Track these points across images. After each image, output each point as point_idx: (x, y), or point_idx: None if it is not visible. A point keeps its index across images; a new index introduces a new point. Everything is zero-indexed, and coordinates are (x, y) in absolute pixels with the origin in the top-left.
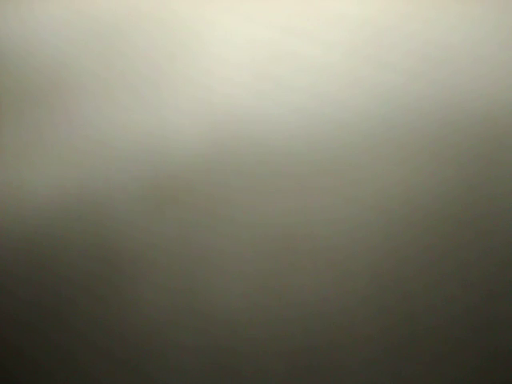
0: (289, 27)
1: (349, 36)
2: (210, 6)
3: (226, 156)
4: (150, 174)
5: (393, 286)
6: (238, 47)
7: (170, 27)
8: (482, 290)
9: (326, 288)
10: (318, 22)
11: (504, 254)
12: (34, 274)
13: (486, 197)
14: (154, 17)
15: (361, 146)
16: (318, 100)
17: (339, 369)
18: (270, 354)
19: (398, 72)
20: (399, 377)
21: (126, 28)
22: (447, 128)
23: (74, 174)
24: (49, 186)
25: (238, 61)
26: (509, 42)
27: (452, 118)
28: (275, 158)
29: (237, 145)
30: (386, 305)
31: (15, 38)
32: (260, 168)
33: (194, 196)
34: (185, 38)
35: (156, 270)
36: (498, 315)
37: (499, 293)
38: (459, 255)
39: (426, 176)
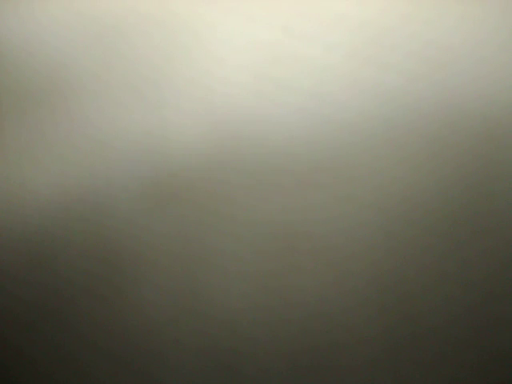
0: (289, 28)
1: (349, 37)
2: (210, 8)
3: (226, 156)
4: (150, 174)
5: (393, 285)
6: (239, 48)
7: (170, 28)
8: (482, 289)
9: (327, 288)
10: (318, 24)
11: (504, 254)
12: (35, 273)
13: (486, 196)
14: (155, 18)
15: (361, 146)
16: (319, 101)
17: (340, 369)
18: (271, 354)
19: (398, 73)
20: (400, 377)
21: (126, 29)
22: (447, 128)
23: (76, 173)
24: (50, 185)
25: (238, 61)
26: (509, 43)
27: (452, 119)
28: (275, 157)
29: (237, 145)
30: (387, 305)
31: (16, 38)
32: (260, 168)
33: (194, 196)
34: (185, 39)
35: (156, 269)
36: (498, 315)
37: (499, 292)
38: (459, 255)
39: (425, 176)
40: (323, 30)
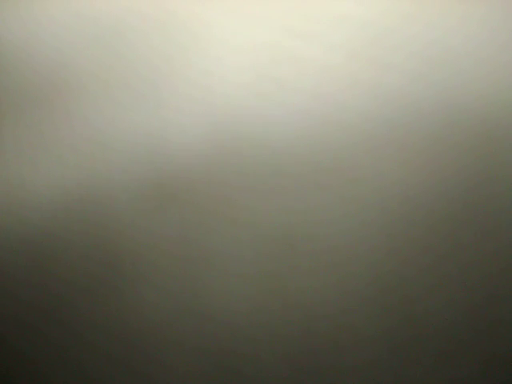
0: (289, 29)
1: (350, 38)
2: (209, 8)
3: (226, 157)
4: (150, 175)
5: (394, 287)
6: (238, 49)
7: (169, 29)
8: (484, 291)
9: (328, 289)
10: (318, 24)
11: (505, 255)
12: (35, 274)
13: (487, 197)
14: (155, 18)
15: (362, 147)
16: (319, 101)
17: (341, 370)
18: (272, 356)
19: (399, 73)
20: (401, 378)
21: (125, 29)
22: (448, 129)
23: (75, 174)
24: (50, 186)
25: (237, 62)
26: (510, 43)
27: (453, 119)
28: (276, 158)
29: (237, 146)
30: (388, 306)
31: (15, 39)
32: (261, 169)
33: (194, 197)
34: (185, 40)
35: (156, 270)
36: (499, 316)
37: (501, 294)
38: (460, 256)
39: (427, 177)
40: (324, 30)
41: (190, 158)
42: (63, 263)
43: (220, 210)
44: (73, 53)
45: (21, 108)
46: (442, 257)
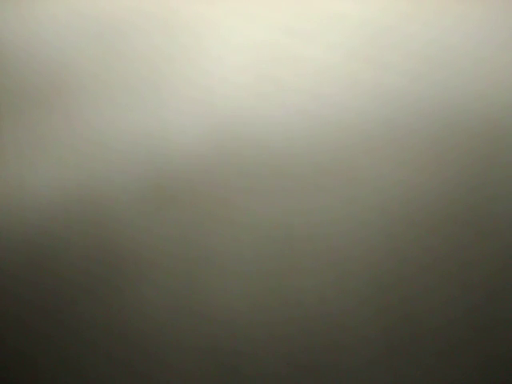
0: (289, 28)
1: (349, 37)
2: (210, 8)
3: (226, 157)
4: (150, 175)
5: (393, 286)
6: (239, 48)
7: (170, 29)
8: (483, 290)
9: (327, 289)
10: (318, 23)
11: (505, 255)
12: (35, 274)
13: (487, 198)
14: (155, 18)
15: (361, 147)
16: (319, 102)
17: (339, 369)
18: (271, 355)
19: (398, 73)
20: (399, 377)
21: (126, 29)
22: (448, 129)
23: (75, 174)
24: (49, 187)
25: (238, 62)
26: (509, 43)
27: (452, 119)
28: (276, 159)
29: (237, 146)
30: (387, 305)
31: (15, 39)
32: (260, 169)
33: (194, 197)
34: (185, 40)
35: (156, 270)
36: (498, 316)
37: (500, 294)
38: (460, 256)
39: (426, 177)
40: (323, 29)
41: (190, 158)
42: (63, 263)
43: (220, 210)
44: (73, 52)
45: (20, 108)
46: (441, 257)
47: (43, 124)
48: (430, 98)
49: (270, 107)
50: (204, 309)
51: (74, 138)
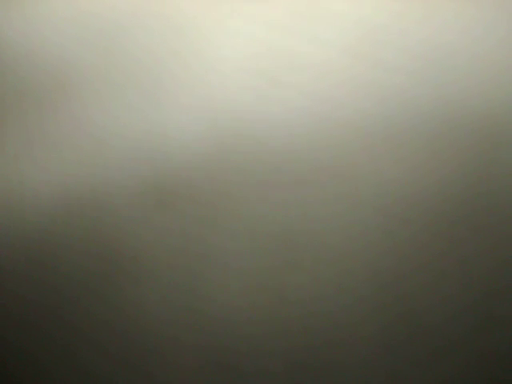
0: (286, 26)
1: (346, 35)
2: (212, 6)
3: (225, 153)
4: (150, 172)
5: (391, 284)
6: (238, 46)
7: (173, 25)
8: (481, 288)
9: (324, 286)
10: (314, 21)
11: (502, 252)
12: (35, 271)
13: (485, 194)
14: (157, 14)
15: (358, 144)
16: (317, 99)
17: (337, 366)
18: (268, 352)
19: (395, 70)
20: (397, 375)
21: (128, 26)
22: (445, 126)
23: (75, 171)
24: (50, 183)
25: (237, 60)
26: (504, 39)
27: (450, 116)
28: (274, 155)
29: (236, 143)
30: (384, 303)
31: (18, 36)
32: (259, 166)
33: (194, 193)
34: (187, 37)
35: (156, 266)
36: (496, 313)
37: (498, 291)
38: (457, 253)
39: (424, 174)
40: (319, 27)
41: (190, 154)
42: (63, 259)
43: (219, 206)
44: (75, 49)
45: (22, 105)
46: (439, 254)
47: (45, 120)
48: (425, 94)
49: (269, 104)
50: (203, 305)
51: (74, 134)
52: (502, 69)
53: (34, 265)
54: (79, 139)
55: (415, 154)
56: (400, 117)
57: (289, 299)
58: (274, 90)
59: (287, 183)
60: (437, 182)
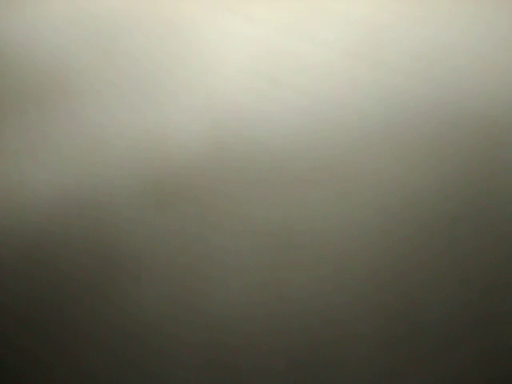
0: (286, 26)
1: (346, 35)
2: (211, 6)
3: (225, 153)
4: (150, 171)
5: (390, 282)
6: (237, 46)
7: (172, 25)
8: (480, 286)
9: (324, 284)
10: (314, 21)
11: (501, 251)
12: (35, 269)
13: (484, 194)
14: (156, 15)
15: (358, 144)
16: (316, 99)
17: (336, 364)
18: (268, 350)
19: (395, 70)
20: (395, 373)
21: (128, 26)
22: (445, 126)
23: (75, 170)
24: (50, 182)
25: (237, 60)
26: (504, 40)
27: (449, 116)
28: (274, 155)
29: (236, 142)
30: (383, 301)
31: (18, 36)
32: (258, 165)
33: (193, 192)
34: (186, 37)
35: (156, 265)
36: (495, 312)
37: (496, 290)
38: (456, 252)
39: (422, 173)
40: (319, 27)
41: (190, 154)
42: (63, 258)
43: (218, 205)
44: (75, 49)
45: (22, 105)
46: (438, 253)
47: (44, 120)
48: (425, 95)
49: (269, 104)
50: (203, 303)
51: (74, 134)
52: (502, 69)
53: (33, 263)
54: (79, 139)
55: (415, 153)
56: (400, 116)
57: (288, 297)
58: (274, 90)
59: (287, 183)
60: (437, 182)
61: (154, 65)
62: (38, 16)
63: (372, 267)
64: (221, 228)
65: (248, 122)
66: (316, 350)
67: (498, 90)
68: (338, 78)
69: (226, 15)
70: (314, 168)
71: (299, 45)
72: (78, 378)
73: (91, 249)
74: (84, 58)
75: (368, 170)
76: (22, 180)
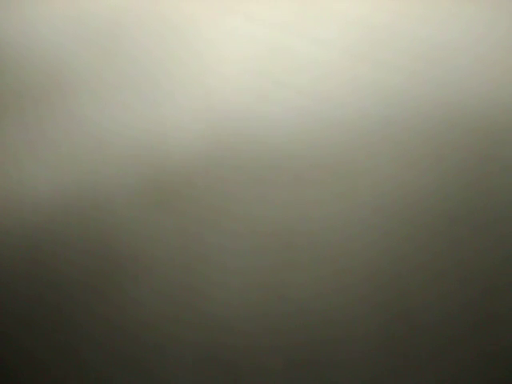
0: (286, 25)
1: (346, 34)
2: (210, 4)
3: (224, 152)
4: (149, 171)
5: (390, 282)
6: (237, 46)
7: (170, 24)
8: (479, 286)
9: (323, 284)
10: (314, 21)
11: (501, 251)
12: (34, 269)
13: (483, 193)
14: (155, 14)
15: (357, 143)
16: (315, 98)
17: (336, 364)
18: (267, 349)
19: (394, 70)
20: (395, 373)
21: (126, 25)
22: (444, 125)
23: (74, 169)
24: (49, 181)
25: (236, 59)
26: (504, 39)
27: (449, 116)
28: (273, 154)
29: (235, 142)
30: (383, 301)
31: (17, 35)
32: (258, 164)
33: (192, 192)
34: (185, 36)
35: (155, 265)
36: (494, 312)
37: (496, 290)
38: (456, 252)
39: (422, 173)
40: (319, 26)
41: (188, 153)
42: (62, 258)
43: (217, 204)
44: (73, 48)
45: (20, 104)
46: (438, 252)
47: (43, 119)
48: (425, 94)
49: (267, 103)
50: (202, 303)
51: (73, 133)
52: (501, 68)
53: (32, 263)
54: (78, 138)
55: (415, 153)
56: (399, 116)
57: (287, 297)
58: (274, 90)
59: (286, 182)
60: (436, 182)
61: (153, 64)
62: (37, 16)
63: (371, 267)
64: (220, 228)
65: (247, 121)
66: (316, 350)
67: (497, 89)
68: (337, 78)
69: (225, 14)
70: (314, 167)
71: (299, 44)
72: (77, 377)
73: (90, 248)
74: (83, 57)
75: (368, 169)
76: (21, 179)
